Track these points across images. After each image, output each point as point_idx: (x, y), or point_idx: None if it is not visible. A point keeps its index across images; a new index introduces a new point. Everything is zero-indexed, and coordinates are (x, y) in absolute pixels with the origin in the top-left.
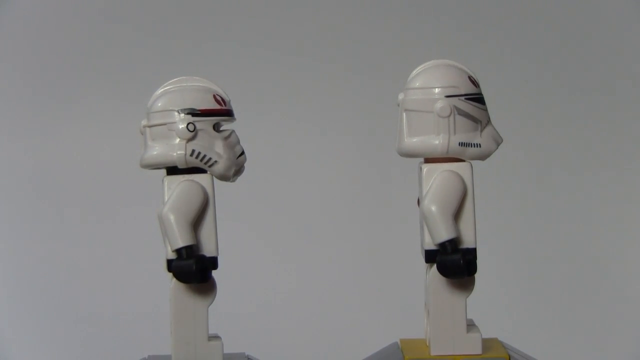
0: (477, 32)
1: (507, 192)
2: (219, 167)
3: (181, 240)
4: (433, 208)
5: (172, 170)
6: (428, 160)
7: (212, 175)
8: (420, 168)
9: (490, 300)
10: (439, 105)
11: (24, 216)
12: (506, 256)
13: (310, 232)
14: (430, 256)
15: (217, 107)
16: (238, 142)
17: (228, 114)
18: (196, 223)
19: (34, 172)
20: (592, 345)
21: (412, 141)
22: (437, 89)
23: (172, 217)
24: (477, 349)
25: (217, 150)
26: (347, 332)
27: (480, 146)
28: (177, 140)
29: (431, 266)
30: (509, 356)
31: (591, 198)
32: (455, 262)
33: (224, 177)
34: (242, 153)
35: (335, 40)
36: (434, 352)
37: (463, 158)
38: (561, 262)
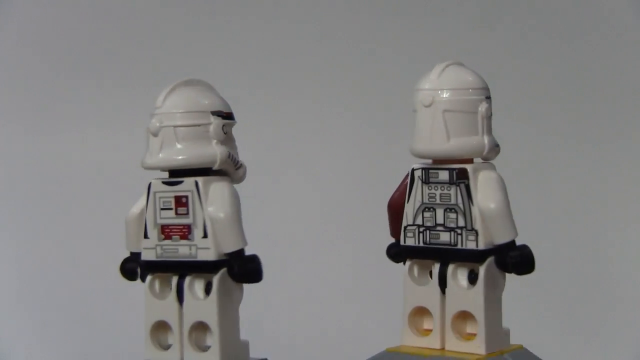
0: (476, 32)
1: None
2: (242, 170)
3: (242, 240)
4: (503, 207)
5: (192, 172)
6: (450, 162)
7: (232, 178)
8: (465, 169)
9: None
10: (484, 106)
11: (25, 217)
12: None
13: (310, 232)
14: (485, 255)
15: (231, 110)
16: None
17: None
18: None
19: (34, 173)
20: (592, 345)
21: (454, 143)
22: (478, 90)
23: (236, 218)
24: (508, 343)
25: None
26: (347, 333)
27: (499, 147)
28: (214, 142)
29: (479, 266)
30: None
31: (592, 198)
32: (530, 257)
33: (240, 180)
34: None
35: (335, 40)
36: (488, 351)
37: (490, 159)
38: (560, 262)
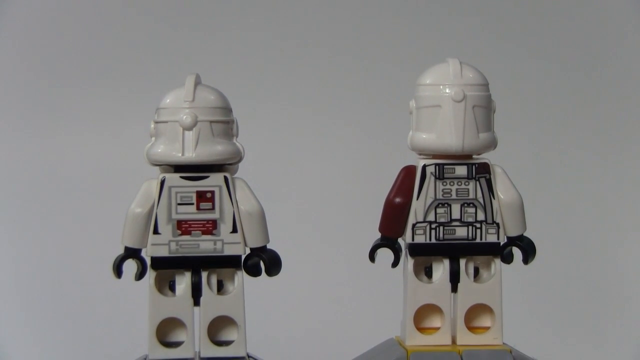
0: (474, 32)
1: None
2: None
3: (268, 235)
4: (522, 200)
5: (203, 167)
6: (464, 157)
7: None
8: (487, 164)
9: None
10: (494, 102)
11: (28, 216)
12: None
13: (310, 231)
14: (504, 247)
15: None
16: None
17: None
18: None
19: (36, 173)
20: (592, 346)
21: (482, 138)
22: (488, 86)
23: (264, 213)
24: None
25: None
26: (346, 331)
27: None
28: (234, 138)
29: (495, 259)
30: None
31: (591, 198)
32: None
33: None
34: None
35: (334, 38)
36: (505, 341)
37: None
38: (559, 263)
